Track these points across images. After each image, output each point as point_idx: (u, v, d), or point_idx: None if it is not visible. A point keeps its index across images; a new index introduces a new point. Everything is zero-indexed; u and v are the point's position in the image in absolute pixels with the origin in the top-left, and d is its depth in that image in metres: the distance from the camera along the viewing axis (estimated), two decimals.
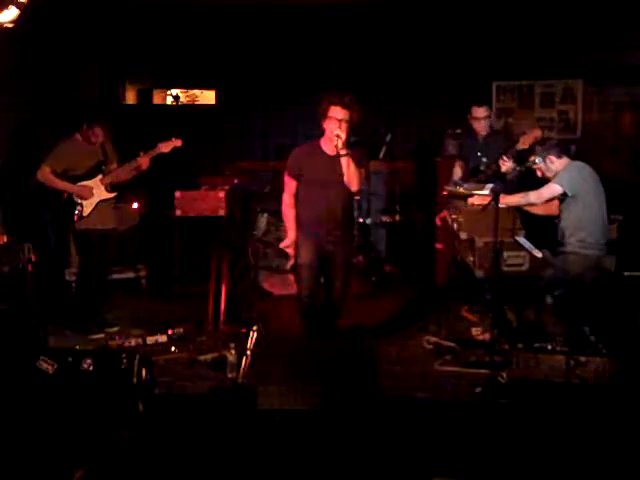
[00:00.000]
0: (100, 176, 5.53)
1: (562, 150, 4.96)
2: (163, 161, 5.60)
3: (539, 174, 5.01)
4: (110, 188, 5.58)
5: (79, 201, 5.47)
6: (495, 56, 7.26)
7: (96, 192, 5.51)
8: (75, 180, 5.46)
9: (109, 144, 5.65)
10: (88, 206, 5.48)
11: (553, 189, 4.85)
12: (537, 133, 5.53)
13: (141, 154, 5.50)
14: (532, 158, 4.99)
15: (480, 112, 5.76)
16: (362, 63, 7.42)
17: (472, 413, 4.02)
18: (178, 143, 5.50)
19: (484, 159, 5.68)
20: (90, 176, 5.50)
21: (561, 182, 4.82)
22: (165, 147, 5.48)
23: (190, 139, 5.61)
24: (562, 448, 3.55)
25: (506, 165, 5.35)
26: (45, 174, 5.39)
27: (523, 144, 5.42)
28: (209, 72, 7.85)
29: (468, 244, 5.12)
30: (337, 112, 4.53)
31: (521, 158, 5.28)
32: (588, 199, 4.83)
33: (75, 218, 5.46)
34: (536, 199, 4.93)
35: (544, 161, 4.92)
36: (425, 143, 7.47)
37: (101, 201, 5.53)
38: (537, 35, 7.04)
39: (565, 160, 4.94)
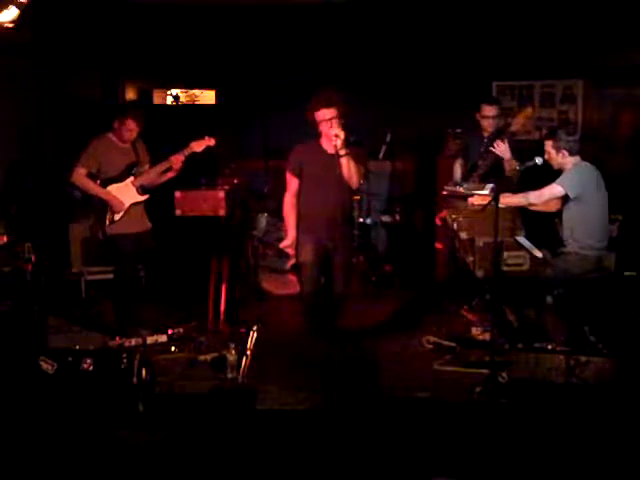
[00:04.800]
0: (131, 178, 5.32)
1: (578, 149, 4.91)
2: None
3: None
4: (142, 191, 5.38)
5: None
6: (495, 56, 7.26)
7: (127, 195, 5.30)
8: (107, 182, 5.26)
9: (141, 144, 5.45)
10: (120, 210, 5.30)
11: (554, 190, 4.83)
12: (528, 112, 5.54)
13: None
14: (548, 152, 4.92)
15: (490, 111, 5.78)
16: (362, 63, 7.42)
17: (472, 413, 4.02)
18: (211, 142, 5.33)
19: (487, 160, 5.70)
20: (122, 178, 5.30)
21: (563, 184, 4.80)
22: (198, 146, 5.30)
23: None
24: (562, 448, 3.56)
25: (500, 148, 5.35)
26: (80, 177, 5.18)
27: (516, 124, 5.42)
28: (209, 72, 7.85)
29: (468, 244, 5.12)
30: (324, 114, 4.55)
31: (522, 157, 5.28)
32: (590, 202, 4.81)
33: (107, 222, 5.26)
34: (536, 199, 4.92)
35: (557, 154, 4.87)
36: (425, 142, 7.46)
37: (133, 204, 5.33)
38: (537, 35, 7.03)
39: (575, 159, 4.88)
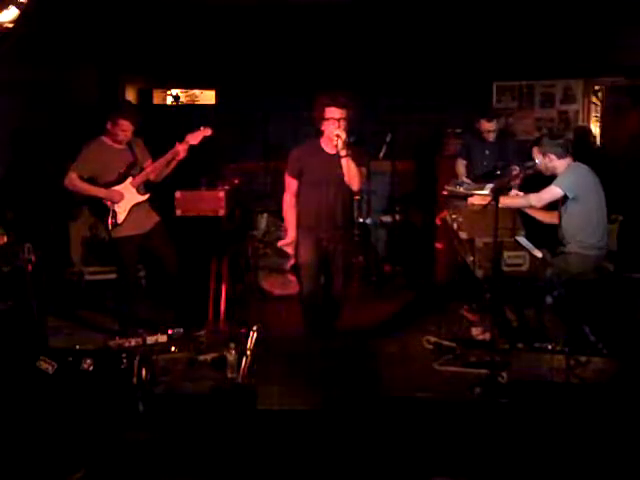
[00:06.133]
0: (130, 179, 5.21)
1: (566, 150, 4.92)
2: None
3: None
4: (143, 190, 5.28)
5: (114, 207, 5.17)
6: (495, 56, 7.26)
7: (128, 196, 5.20)
8: (106, 187, 5.16)
9: (139, 142, 5.33)
10: (122, 212, 5.18)
11: (553, 192, 4.83)
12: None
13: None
14: (534, 159, 4.96)
15: (489, 126, 5.95)
16: (362, 63, 7.42)
17: (472, 413, 4.02)
18: (207, 132, 5.19)
19: (500, 163, 5.74)
20: (120, 180, 5.19)
21: (561, 185, 4.80)
22: (194, 138, 5.16)
23: None
24: (562, 448, 3.55)
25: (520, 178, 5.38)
26: (72, 180, 5.08)
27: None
28: (209, 72, 7.85)
29: (468, 244, 5.12)
30: (333, 112, 4.54)
31: (522, 157, 5.29)
32: (588, 201, 4.82)
33: (109, 226, 5.18)
34: (536, 202, 4.91)
35: (544, 158, 4.90)
36: (425, 143, 7.47)
37: (135, 205, 5.22)
38: (537, 35, 7.04)
39: (567, 160, 4.90)
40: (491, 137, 5.89)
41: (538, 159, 4.91)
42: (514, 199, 4.95)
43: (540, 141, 4.97)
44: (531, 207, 4.99)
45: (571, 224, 4.87)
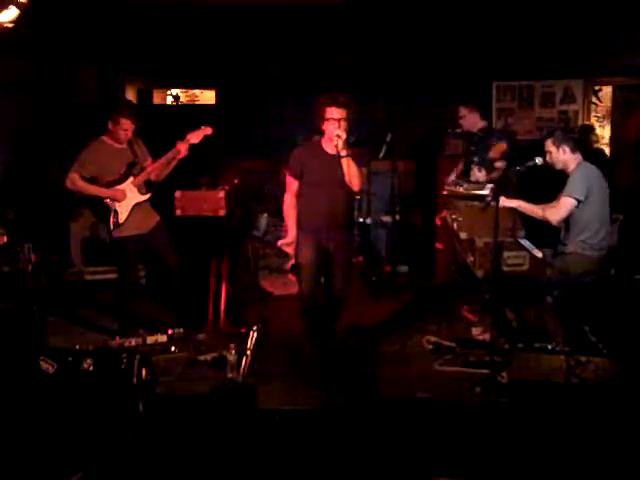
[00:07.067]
0: (131, 178, 5.20)
1: (577, 147, 4.92)
2: None
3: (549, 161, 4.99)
4: (144, 189, 5.27)
5: (115, 207, 5.16)
6: (495, 56, 7.27)
7: (129, 195, 5.19)
8: (107, 187, 5.16)
9: (139, 142, 5.32)
10: (123, 212, 5.17)
11: (567, 205, 4.79)
12: (502, 146, 5.63)
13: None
14: (549, 151, 4.94)
15: (460, 112, 6.05)
16: (362, 63, 7.43)
17: (472, 413, 4.02)
18: (208, 131, 5.19)
19: (475, 158, 5.80)
20: (122, 180, 5.18)
21: (572, 194, 4.79)
22: (195, 137, 5.16)
23: None
24: (562, 448, 3.56)
25: (476, 175, 5.45)
26: (74, 181, 5.08)
27: (494, 154, 5.50)
28: (209, 72, 7.86)
29: (468, 244, 5.12)
30: (334, 112, 4.55)
31: (518, 159, 5.29)
32: (594, 202, 4.81)
33: (111, 226, 5.17)
34: (554, 219, 4.86)
35: (558, 150, 4.89)
36: (425, 143, 7.47)
37: (136, 204, 5.21)
38: (537, 35, 7.05)
39: (577, 157, 4.89)
40: (465, 126, 6.03)
41: (552, 152, 4.90)
42: (529, 207, 4.92)
43: (554, 134, 4.97)
44: (546, 220, 4.95)
45: (576, 225, 4.86)
